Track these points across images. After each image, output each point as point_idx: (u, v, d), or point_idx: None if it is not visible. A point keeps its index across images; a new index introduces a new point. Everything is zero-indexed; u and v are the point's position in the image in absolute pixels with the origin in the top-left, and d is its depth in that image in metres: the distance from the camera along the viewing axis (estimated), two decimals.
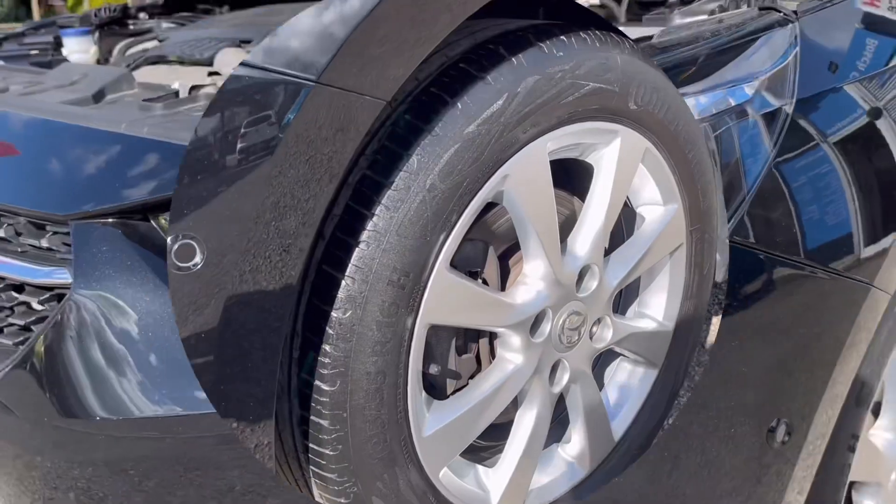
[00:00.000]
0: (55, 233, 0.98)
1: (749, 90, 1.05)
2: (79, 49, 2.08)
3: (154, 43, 2.00)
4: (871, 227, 1.21)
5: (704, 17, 1.12)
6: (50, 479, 0.95)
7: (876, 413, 1.42)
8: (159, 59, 1.78)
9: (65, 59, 2.04)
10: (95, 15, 2.27)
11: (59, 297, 0.95)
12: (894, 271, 1.22)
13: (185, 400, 0.86)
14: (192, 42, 1.79)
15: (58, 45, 2.13)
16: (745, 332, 1.14)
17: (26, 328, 0.98)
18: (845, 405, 1.23)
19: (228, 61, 1.58)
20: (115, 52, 1.99)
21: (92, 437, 0.89)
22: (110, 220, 0.92)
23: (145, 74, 1.65)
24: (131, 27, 2.31)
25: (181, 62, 1.70)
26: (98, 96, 1.27)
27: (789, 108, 1.09)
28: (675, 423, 1.11)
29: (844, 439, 1.25)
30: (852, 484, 1.35)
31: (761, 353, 1.16)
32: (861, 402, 1.28)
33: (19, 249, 1.02)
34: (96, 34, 2.19)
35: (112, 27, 2.26)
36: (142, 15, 2.37)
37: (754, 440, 1.12)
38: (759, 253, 1.09)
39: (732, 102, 1.04)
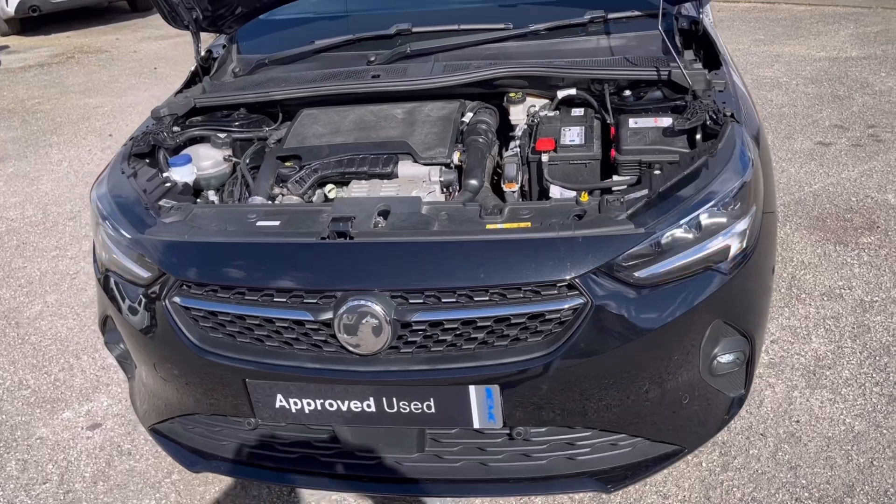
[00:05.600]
0: (561, 286, 1.89)
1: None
2: (187, 173, 2.58)
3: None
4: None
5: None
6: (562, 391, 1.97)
7: None
8: (326, 180, 2.44)
9: (186, 182, 2.54)
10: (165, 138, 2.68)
11: (571, 311, 1.90)
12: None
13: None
14: (345, 161, 2.43)
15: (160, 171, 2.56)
16: None
17: (549, 333, 1.92)
18: None
19: (414, 172, 2.37)
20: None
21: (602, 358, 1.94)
22: (577, 277, 1.88)
23: (353, 189, 2.39)
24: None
25: (367, 176, 2.40)
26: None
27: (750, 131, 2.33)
28: None
29: None
30: None
31: None
32: None
33: (535, 297, 1.90)
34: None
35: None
36: (175, 128, 2.76)
37: None
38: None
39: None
